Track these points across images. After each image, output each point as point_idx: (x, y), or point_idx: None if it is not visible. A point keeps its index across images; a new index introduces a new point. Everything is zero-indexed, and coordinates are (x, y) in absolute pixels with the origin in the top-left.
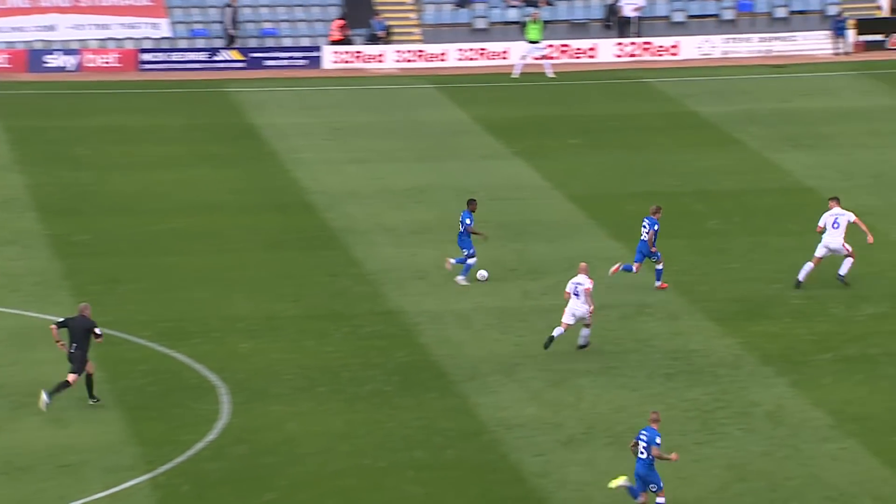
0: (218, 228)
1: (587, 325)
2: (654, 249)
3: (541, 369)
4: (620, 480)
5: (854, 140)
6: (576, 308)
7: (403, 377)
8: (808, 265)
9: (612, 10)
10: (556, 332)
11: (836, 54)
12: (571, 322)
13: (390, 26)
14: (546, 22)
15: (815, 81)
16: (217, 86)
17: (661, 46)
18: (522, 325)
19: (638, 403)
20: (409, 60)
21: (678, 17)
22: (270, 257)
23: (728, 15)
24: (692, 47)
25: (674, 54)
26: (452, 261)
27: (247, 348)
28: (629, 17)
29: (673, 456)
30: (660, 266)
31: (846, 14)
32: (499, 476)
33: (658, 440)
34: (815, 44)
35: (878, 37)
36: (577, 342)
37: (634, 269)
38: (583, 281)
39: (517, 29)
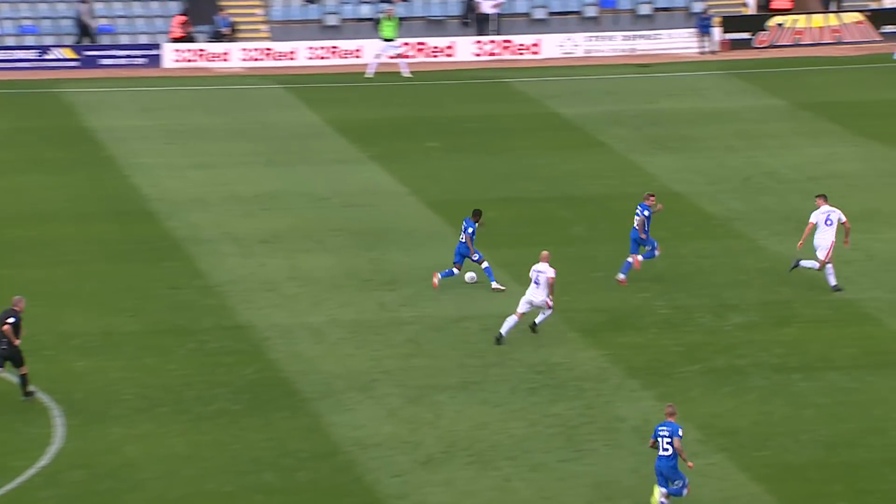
0: (51, 239)
1: (543, 313)
2: (643, 236)
3: (398, 385)
4: (657, 496)
5: (721, 142)
6: (533, 296)
7: (252, 395)
8: (828, 267)
9: (471, 7)
10: (509, 322)
11: (702, 53)
12: (526, 310)
13: (235, 23)
14: (401, 19)
15: (681, 81)
16: (48, 86)
17: (521, 45)
18: (379, 339)
19: (500, 420)
20: (255, 59)
21: (539, 14)
22: (108, 269)
23: (590, 12)
24: (554, 46)
25: (535, 53)
26: (440, 275)
27: (83, 367)
28: (488, 14)
29: (689, 465)
30: (656, 252)
31: (712, 11)
32: (354, 499)
33: (680, 432)
34: (680, 42)
35: (745, 35)
36: (532, 321)
37: (633, 261)
38: (544, 269)
39: (371, 26)
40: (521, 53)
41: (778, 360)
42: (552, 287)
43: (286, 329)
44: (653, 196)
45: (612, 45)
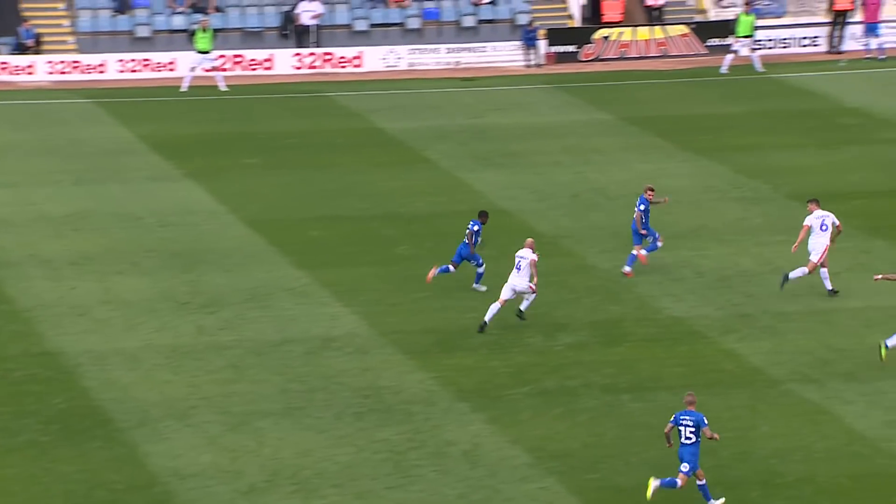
0: None
1: (526, 298)
2: (643, 231)
3: (218, 412)
4: (652, 486)
5: (549, 158)
6: (516, 283)
7: (63, 425)
8: (823, 271)
9: (289, 18)
10: (493, 309)
11: (528, 66)
12: (510, 296)
13: (40, 34)
14: (217, 30)
15: (507, 95)
16: None
17: (342, 57)
18: (197, 364)
19: (325, 446)
20: (63, 72)
21: (360, 25)
22: None
23: (413, 24)
24: (376, 58)
25: (357, 66)
26: (437, 270)
27: None
28: (307, 26)
29: (716, 436)
30: (659, 244)
31: (537, 24)
32: None
33: (706, 421)
34: (505, 55)
35: (571, 48)
36: (518, 308)
37: (638, 255)
38: (526, 255)
39: (185, 38)
40: (342, 66)
41: (608, 380)
42: (534, 269)
43: (99, 355)
44: (652, 189)
45: (436, 57)
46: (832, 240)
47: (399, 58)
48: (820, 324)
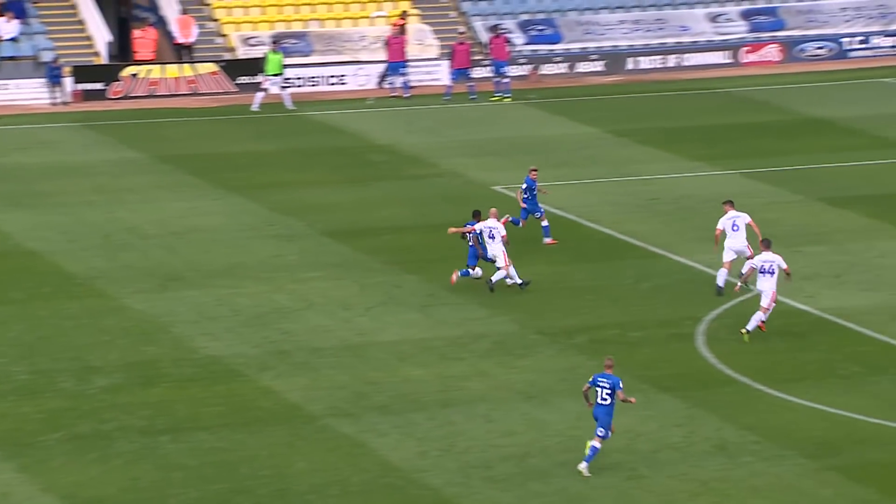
0: None
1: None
2: (523, 206)
3: None
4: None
5: (79, 198)
6: (493, 251)
7: None
8: (723, 271)
9: None
10: (478, 272)
11: (54, 104)
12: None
13: None
14: None
15: (32, 134)
16: None
17: None
18: None
19: None
20: None
21: None
22: None
23: None
24: None
25: None
26: (460, 273)
27: None
28: None
29: (632, 400)
30: (521, 223)
31: (62, 61)
32: None
33: (621, 384)
34: (29, 93)
35: (98, 85)
36: (490, 279)
37: (521, 224)
38: (496, 225)
39: None
40: None
41: (145, 422)
42: (506, 243)
43: None
44: (535, 170)
45: None
46: (759, 234)
47: None
48: (354, 358)
